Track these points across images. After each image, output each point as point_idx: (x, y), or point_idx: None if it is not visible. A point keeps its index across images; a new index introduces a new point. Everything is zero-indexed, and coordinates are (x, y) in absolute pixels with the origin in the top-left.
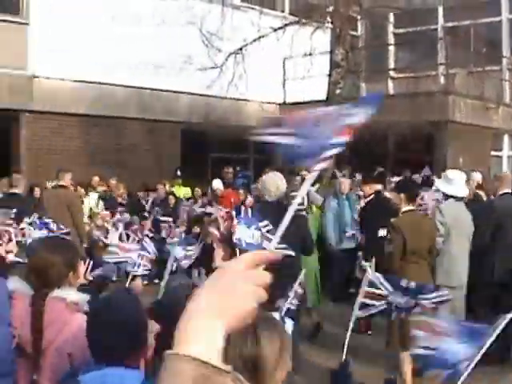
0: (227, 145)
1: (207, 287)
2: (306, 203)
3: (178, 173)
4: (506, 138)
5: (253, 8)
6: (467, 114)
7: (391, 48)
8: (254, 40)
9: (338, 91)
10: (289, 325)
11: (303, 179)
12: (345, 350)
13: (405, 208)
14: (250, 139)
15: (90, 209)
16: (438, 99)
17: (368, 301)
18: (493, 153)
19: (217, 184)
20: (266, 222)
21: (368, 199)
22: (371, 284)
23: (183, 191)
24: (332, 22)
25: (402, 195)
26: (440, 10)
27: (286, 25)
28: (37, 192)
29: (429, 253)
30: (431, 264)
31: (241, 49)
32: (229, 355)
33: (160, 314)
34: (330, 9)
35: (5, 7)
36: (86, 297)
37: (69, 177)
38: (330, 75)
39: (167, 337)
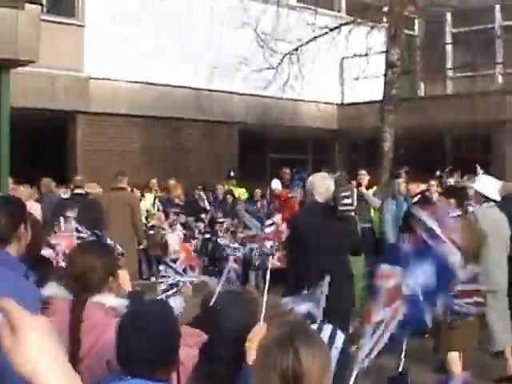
0: (285, 145)
1: None
2: (354, 203)
3: (232, 173)
4: None
5: (308, 8)
6: None
7: (448, 47)
8: (310, 40)
9: (393, 91)
10: (340, 337)
11: (359, 184)
12: (403, 354)
13: (453, 213)
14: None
15: (147, 210)
16: (496, 99)
17: None
18: None
19: (275, 184)
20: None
21: (416, 199)
22: None
23: (238, 191)
24: (387, 22)
25: (452, 200)
26: (497, 8)
27: (341, 25)
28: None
29: (476, 256)
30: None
31: (296, 49)
32: (267, 367)
33: (206, 324)
34: (386, 8)
35: (61, 10)
36: (124, 302)
37: (126, 179)
38: (385, 75)
39: (212, 347)
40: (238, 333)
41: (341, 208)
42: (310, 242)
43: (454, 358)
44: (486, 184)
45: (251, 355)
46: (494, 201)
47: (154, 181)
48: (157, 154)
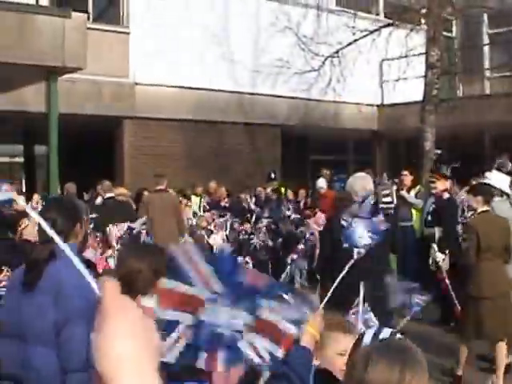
0: (326, 147)
1: None
2: (394, 201)
3: (273, 175)
4: None
5: (347, 11)
6: None
7: (486, 48)
8: (350, 43)
9: (434, 92)
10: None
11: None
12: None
13: (480, 209)
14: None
15: (194, 213)
16: None
17: None
18: None
19: (321, 183)
20: None
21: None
22: None
23: (283, 189)
24: (426, 24)
25: (479, 197)
26: None
27: (380, 27)
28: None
29: (504, 250)
30: (507, 261)
31: (337, 52)
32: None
33: None
34: (424, 10)
35: (107, 18)
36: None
37: (165, 181)
38: (425, 76)
39: None
40: None
41: (381, 206)
42: None
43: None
44: (499, 179)
45: (306, 338)
46: (507, 195)
47: (200, 188)
48: (201, 156)
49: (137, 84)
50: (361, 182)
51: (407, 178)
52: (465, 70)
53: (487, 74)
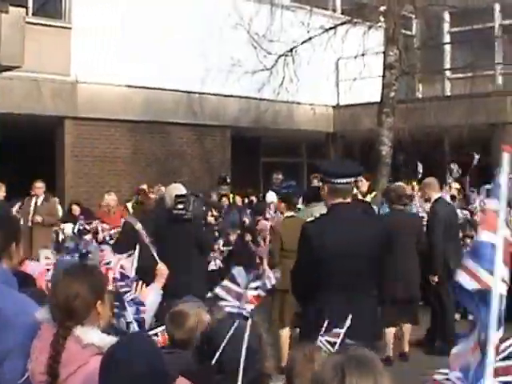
0: (279, 149)
1: None
2: None
3: (228, 179)
4: None
5: (303, 8)
6: None
7: (447, 47)
8: (305, 41)
9: (392, 94)
10: None
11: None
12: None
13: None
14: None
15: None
16: (496, 100)
17: None
18: None
19: (271, 197)
20: None
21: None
22: None
23: (233, 197)
24: (385, 22)
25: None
26: (497, 7)
27: (337, 25)
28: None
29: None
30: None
31: (291, 50)
32: None
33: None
34: (383, 8)
35: (48, 12)
36: (111, 340)
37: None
38: (383, 77)
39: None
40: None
41: None
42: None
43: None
44: None
45: None
46: None
47: (144, 187)
48: (147, 159)
49: (79, 82)
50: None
51: (363, 184)
52: (425, 70)
53: (448, 74)
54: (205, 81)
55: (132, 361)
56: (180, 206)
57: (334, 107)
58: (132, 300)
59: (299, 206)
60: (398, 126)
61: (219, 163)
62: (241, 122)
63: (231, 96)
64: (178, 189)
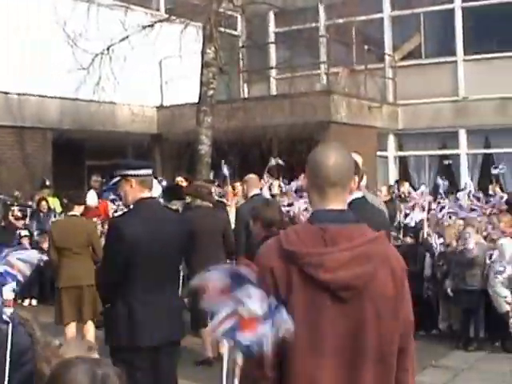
0: (103, 151)
1: None
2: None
3: (47, 183)
4: (390, 137)
5: (119, 5)
6: (350, 113)
7: (272, 47)
8: (122, 39)
9: (210, 92)
10: None
11: None
12: None
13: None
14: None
15: None
16: (320, 99)
17: None
18: (378, 153)
19: (91, 197)
20: None
21: None
22: None
23: (53, 202)
24: (201, 19)
25: None
26: (321, 7)
27: (154, 22)
28: None
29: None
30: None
31: (108, 48)
32: None
33: None
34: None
35: None
36: None
37: None
38: (201, 75)
39: None
40: None
41: None
42: None
43: None
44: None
45: None
46: None
47: None
48: None
49: None
50: None
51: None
52: (249, 69)
53: (273, 73)
54: (23, 81)
55: None
56: None
57: (157, 108)
58: None
59: None
60: (222, 125)
61: (40, 167)
62: (62, 124)
63: (50, 97)
64: None
